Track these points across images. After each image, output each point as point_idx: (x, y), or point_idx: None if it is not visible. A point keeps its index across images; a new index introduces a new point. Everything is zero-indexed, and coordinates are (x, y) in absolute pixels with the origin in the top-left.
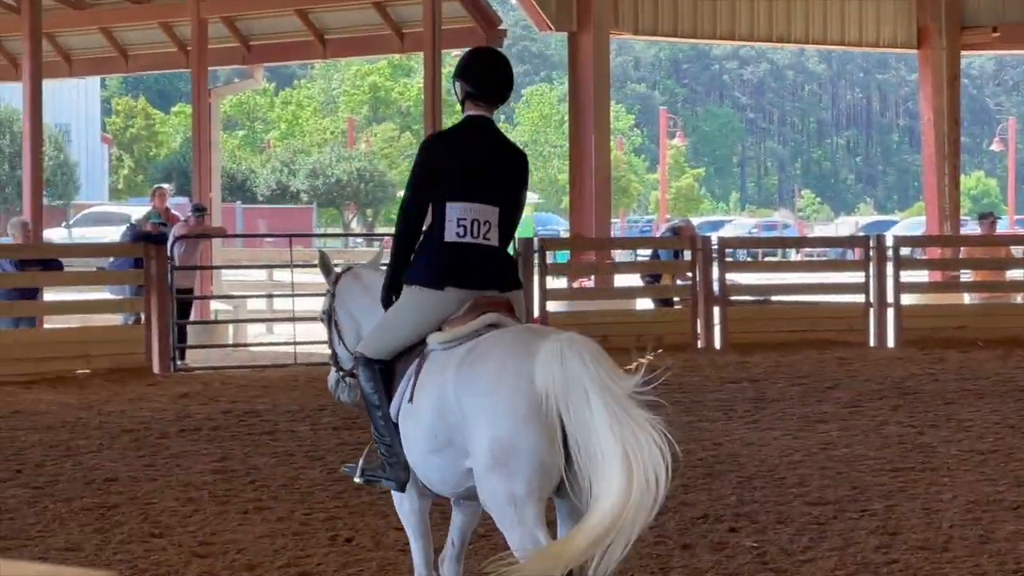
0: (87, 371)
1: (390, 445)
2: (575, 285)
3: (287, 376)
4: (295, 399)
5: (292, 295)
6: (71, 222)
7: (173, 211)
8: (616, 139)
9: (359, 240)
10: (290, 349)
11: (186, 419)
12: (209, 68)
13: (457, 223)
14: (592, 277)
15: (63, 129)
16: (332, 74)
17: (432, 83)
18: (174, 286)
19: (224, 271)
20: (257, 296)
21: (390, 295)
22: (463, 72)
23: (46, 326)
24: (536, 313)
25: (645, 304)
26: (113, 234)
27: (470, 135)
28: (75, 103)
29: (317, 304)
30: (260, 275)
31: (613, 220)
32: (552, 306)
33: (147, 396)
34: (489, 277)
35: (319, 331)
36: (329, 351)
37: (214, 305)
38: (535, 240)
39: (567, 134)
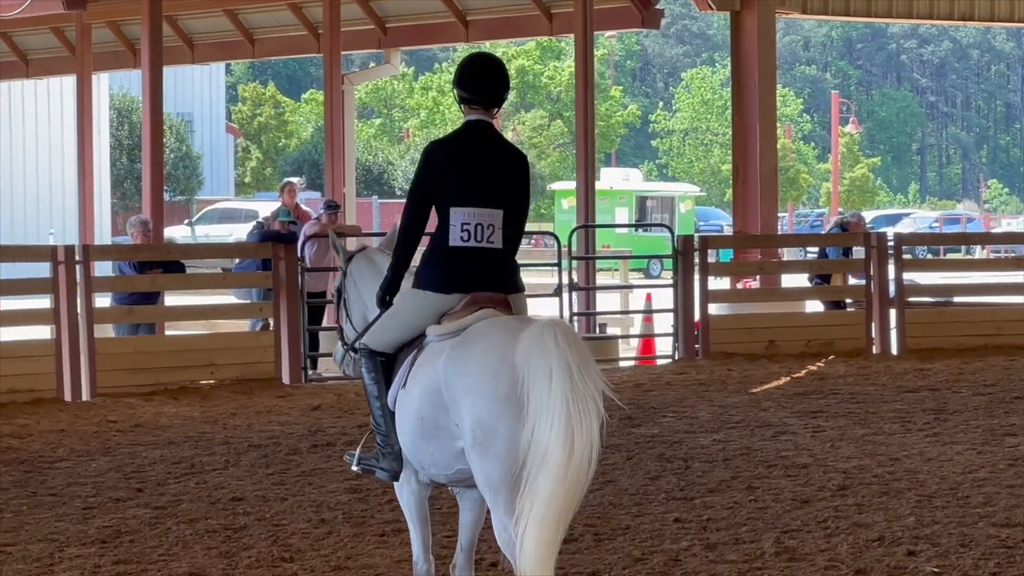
0: (212, 382)
1: (386, 435)
2: (738, 286)
3: None
4: None
5: None
6: (194, 220)
7: (304, 207)
8: (784, 126)
9: None
10: None
11: (318, 433)
12: (342, 52)
13: (461, 227)
14: (757, 277)
15: (185, 119)
16: None
17: (584, 67)
18: (305, 289)
19: None
20: None
21: (386, 296)
22: (459, 78)
23: (167, 333)
24: (696, 316)
25: (815, 307)
26: (239, 233)
27: (469, 140)
28: (198, 91)
29: None
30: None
31: (780, 214)
32: (714, 308)
33: (276, 409)
34: (492, 280)
35: None
36: (337, 327)
37: None
38: (695, 237)
39: (730, 121)
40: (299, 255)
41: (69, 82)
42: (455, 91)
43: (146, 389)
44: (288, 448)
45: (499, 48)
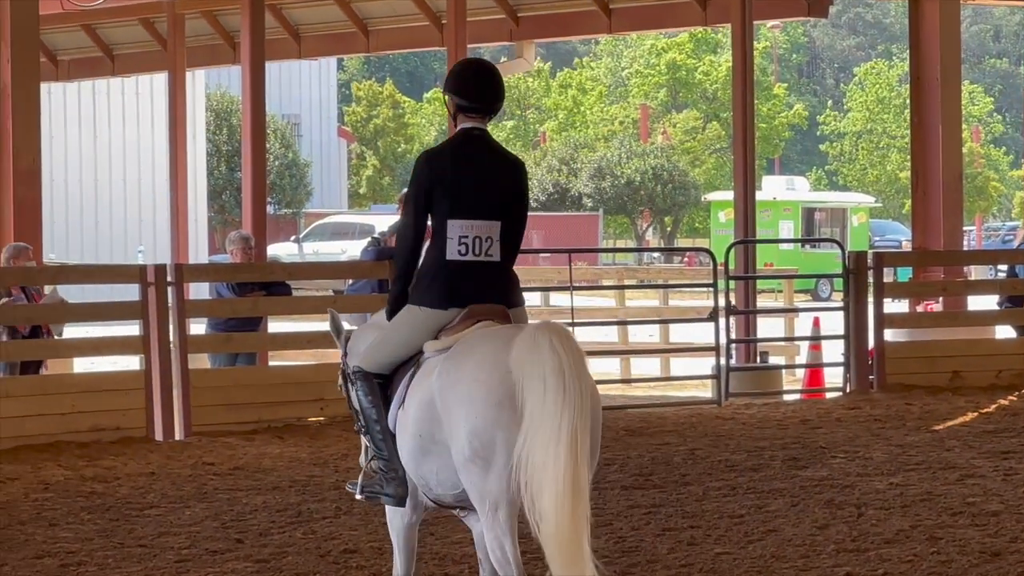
0: (321, 419)
1: (388, 459)
2: (919, 308)
3: None
4: None
5: (572, 323)
6: (302, 236)
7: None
8: (970, 127)
9: (656, 255)
10: None
11: None
12: (469, 45)
13: (459, 241)
14: (939, 299)
15: (292, 121)
16: (621, 51)
17: (743, 61)
18: None
19: None
20: None
21: (394, 312)
22: (452, 85)
23: (271, 364)
24: (870, 343)
25: (1006, 332)
26: (353, 250)
27: (465, 149)
28: (306, 90)
29: (603, 334)
30: (533, 299)
31: (967, 228)
32: (890, 335)
33: None
34: (491, 296)
35: (604, 367)
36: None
37: None
38: (869, 254)
39: (908, 122)
40: None
41: (160, 80)
42: (448, 98)
43: (247, 427)
44: None
45: (647, 41)
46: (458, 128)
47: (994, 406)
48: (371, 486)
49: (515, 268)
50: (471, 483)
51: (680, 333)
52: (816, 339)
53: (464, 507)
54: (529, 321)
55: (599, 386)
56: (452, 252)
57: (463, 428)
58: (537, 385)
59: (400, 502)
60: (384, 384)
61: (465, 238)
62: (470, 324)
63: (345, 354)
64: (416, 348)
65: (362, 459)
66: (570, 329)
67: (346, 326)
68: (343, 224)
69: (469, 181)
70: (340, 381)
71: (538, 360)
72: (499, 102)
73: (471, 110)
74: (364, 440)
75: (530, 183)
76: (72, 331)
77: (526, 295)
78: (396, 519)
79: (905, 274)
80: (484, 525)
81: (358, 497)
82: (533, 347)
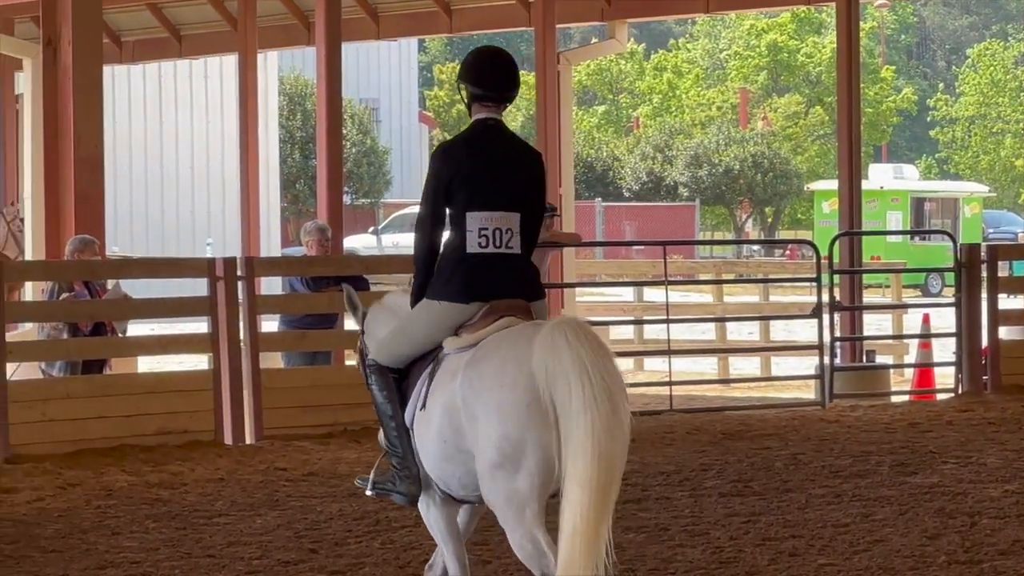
0: None
1: (402, 457)
2: None
3: (660, 427)
4: (670, 457)
5: (667, 320)
6: (380, 227)
7: None
8: None
9: (755, 248)
10: (664, 391)
11: None
12: (558, 26)
13: (479, 233)
14: None
15: (370, 106)
16: (719, 32)
17: (848, 43)
18: None
19: (579, 289)
20: (622, 322)
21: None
22: (466, 74)
23: (347, 363)
24: (984, 341)
25: None
26: None
27: (481, 140)
28: (385, 73)
29: (700, 331)
30: (626, 294)
31: None
32: (1005, 332)
33: None
34: (513, 288)
35: (701, 366)
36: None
37: None
38: (983, 246)
39: None
40: None
41: (230, 62)
42: (462, 87)
43: (321, 430)
44: None
45: (747, 21)
46: (473, 119)
47: None
48: (383, 483)
49: (607, 261)
50: (496, 489)
51: (781, 331)
52: (926, 337)
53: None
54: (558, 314)
55: (698, 387)
56: (472, 245)
57: (492, 435)
58: (562, 385)
59: (412, 501)
60: (399, 378)
61: (485, 230)
62: (492, 321)
63: (363, 332)
64: (435, 343)
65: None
66: (588, 323)
67: None
68: None
69: (487, 173)
70: (358, 360)
71: (559, 359)
72: (514, 91)
73: (487, 99)
74: (379, 439)
75: (623, 171)
76: (137, 328)
77: (618, 290)
78: (430, 512)
79: (1021, 268)
80: (508, 527)
81: (368, 493)
82: (552, 347)
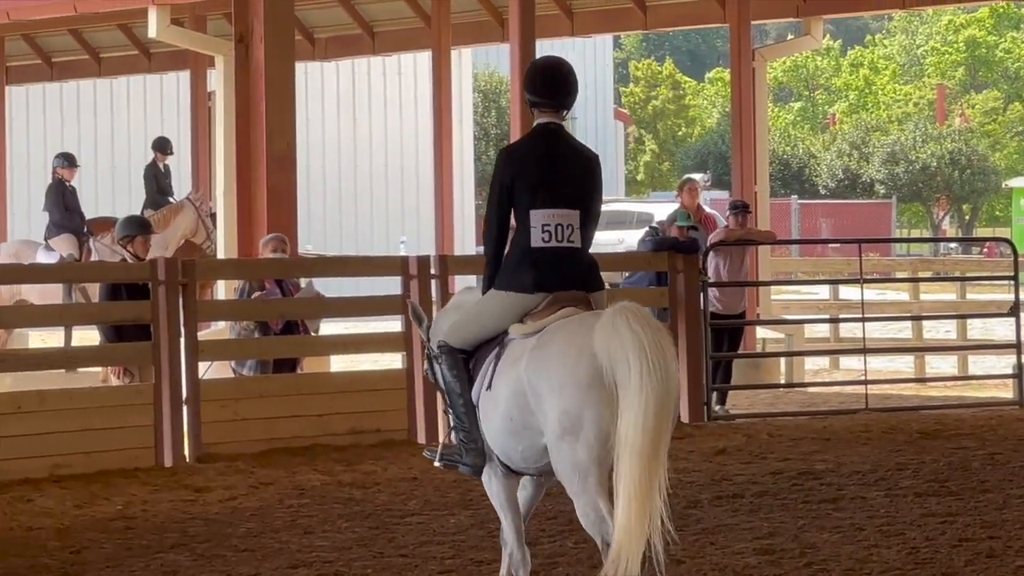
0: None
1: (468, 431)
2: None
3: (855, 425)
4: (866, 456)
5: (862, 318)
6: None
7: (708, 210)
8: None
9: (952, 245)
10: (860, 390)
11: (723, 482)
12: (753, 22)
13: (542, 229)
14: None
15: None
16: (916, 27)
17: None
18: (708, 309)
19: (774, 288)
20: (817, 320)
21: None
22: (528, 84)
23: None
24: None
25: None
26: (630, 240)
27: (542, 143)
28: (580, 69)
29: (895, 330)
30: (822, 292)
31: None
32: None
33: (672, 452)
34: (575, 279)
35: (897, 365)
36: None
37: (760, 333)
38: None
39: None
40: (701, 267)
41: (424, 59)
42: (527, 96)
43: None
44: (686, 500)
45: (944, 16)
46: (535, 123)
47: None
48: (450, 455)
49: (802, 258)
50: (563, 459)
51: (978, 329)
52: None
53: (541, 474)
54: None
55: (893, 385)
56: (536, 240)
57: (555, 410)
58: (623, 366)
59: (477, 472)
60: (466, 359)
61: (548, 226)
62: (555, 310)
63: (428, 340)
64: (501, 330)
65: (452, 437)
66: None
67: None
68: (620, 212)
69: (548, 172)
70: (426, 366)
71: (620, 342)
72: (570, 97)
73: (544, 106)
74: (449, 418)
75: (819, 168)
76: (329, 327)
77: (813, 288)
78: (492, 484)
79: None
80: (575, 494)
81: (437, 464)
82: (613, 331)
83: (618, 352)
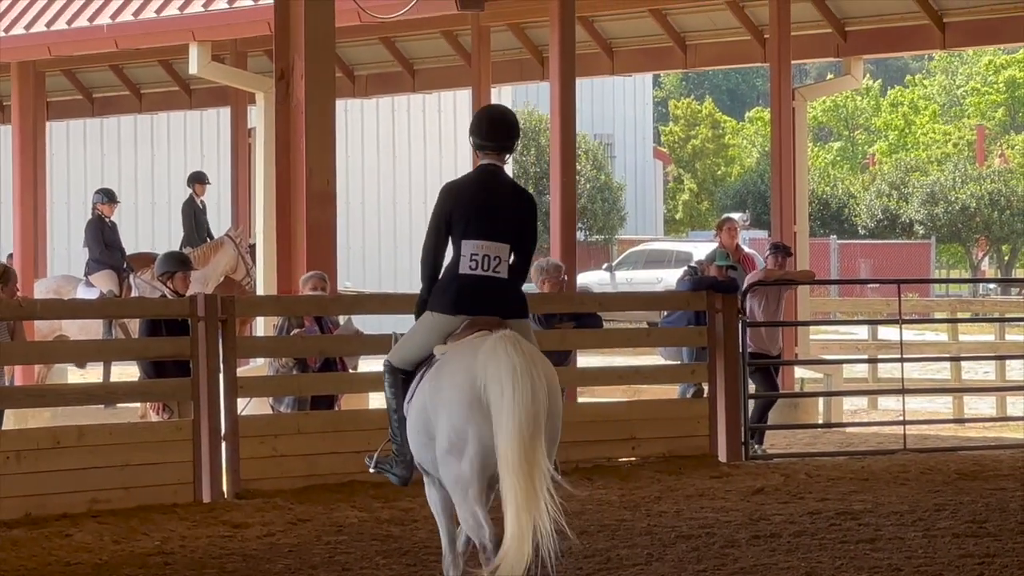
0: (633, 459)
1: (400, 444)
2: None
3: (893, 466)
4: (904, 496)
5: (901, 359)
6: (614, 263)
7: (747, 250)
8: None
9: (991, 286)
10: (898, 430)
11: (761, 522)
12: (793, 61)
13: (470, 257)
14: None
15: (604, 142)
16: (956, 68)
17: None
18: (747, 349)
19: (813, 327)
20: (856, 360)
21: (418, 315)
22: (475, 128)
23: (579, 400)
24: None
25: None
26: (669, 279)
27: (480, 182)
28: (620, 108)
29: (934, 370)
30: (860, 332)
31: None
32: None
33: (710, 492)
34: (494, 306)
35: (935, 406)
36: None
37: (799, 372)
38: None
39: None
40: (740, 306)
41: (464, 97)
42: (470, 139)
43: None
44: (724, 540)
45: (984, 56)
46: (478, 164)
47: None
48: (384, 463)
49: (841, 298)
50: (448, 472)
51: (1017, 370)
52: None
53: None
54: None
55: (932, 426)
56: (464, 267)
57: (444, 426)
58: (495, 386)
59: (404, 483)
60: (407, 379)
61: (476, 255)
62: (470, 333)
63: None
64: (430, 349)
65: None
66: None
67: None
68: (658, 251)
69: (482, 208)
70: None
71: (495, 365)
72: (511, 141)
73: (488, 148)
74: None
75: (858, 208)
76: (368, 364)
77: (852, 328)
78: (432, 492)
79: None
80: (458, 503)
81: (371, 470)
82: (492, 354)
83: (492, 375)
